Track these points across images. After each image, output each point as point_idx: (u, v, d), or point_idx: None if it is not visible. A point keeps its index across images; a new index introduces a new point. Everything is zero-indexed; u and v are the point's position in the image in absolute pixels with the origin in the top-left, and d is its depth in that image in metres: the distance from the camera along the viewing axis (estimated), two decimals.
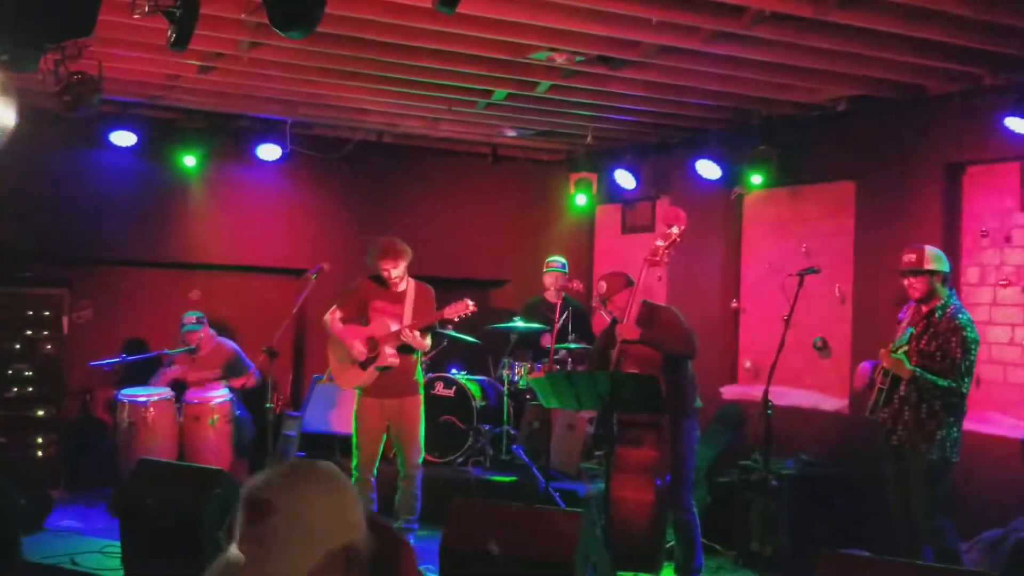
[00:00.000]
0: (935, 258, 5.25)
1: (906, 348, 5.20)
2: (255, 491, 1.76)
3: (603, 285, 5.89)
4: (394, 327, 6.29)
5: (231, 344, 7.87)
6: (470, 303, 6.33)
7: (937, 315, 5.19)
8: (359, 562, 1.78)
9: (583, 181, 8.82)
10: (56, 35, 4.49)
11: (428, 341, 6.51)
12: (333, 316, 6.48)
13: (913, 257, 5.26)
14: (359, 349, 6.35)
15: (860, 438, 6.75)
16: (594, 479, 7.04)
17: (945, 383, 5.05)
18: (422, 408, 6.51)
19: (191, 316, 7.76)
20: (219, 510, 4.66)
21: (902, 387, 5.19)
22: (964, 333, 5.09)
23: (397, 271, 6.34)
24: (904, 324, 5.34)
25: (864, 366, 5.46)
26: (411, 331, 6.27)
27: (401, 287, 6.42)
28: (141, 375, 7.69)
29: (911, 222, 6.61)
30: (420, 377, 6.57)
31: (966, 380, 5.10)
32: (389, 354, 6.29)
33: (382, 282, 6.41)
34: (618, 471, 5.56)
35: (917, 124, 6.64)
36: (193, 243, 8.50)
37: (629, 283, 5.84)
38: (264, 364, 6.73)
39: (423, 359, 6.82)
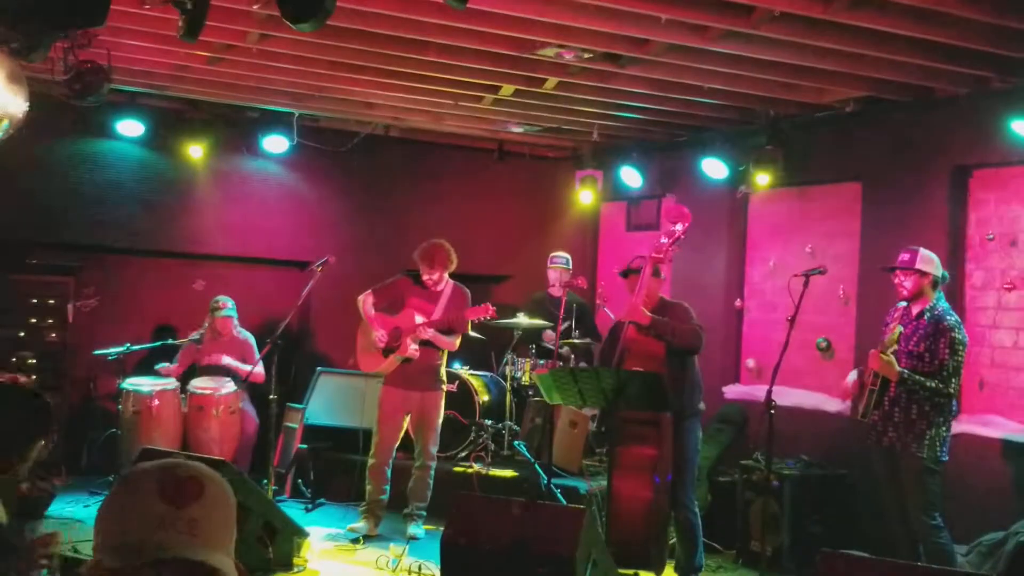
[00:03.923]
0: (927, 260, 5.34)
1: (895, 348, 5.27)
2: (183, 471, 1.58)
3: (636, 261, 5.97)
4: (418, 320, 6.52)
5: (249, 336, 7.82)
6: (491, 308, 6.51)
7: (926, 317, 5.29)
8: None
9: (589, 178, 8.81)
10: (68, 24, 4.49)
11: (456, 341, 6.70)
12: (366, 300, 6.71)
13: (907, 256, 5.37)
14: (380, 336, 6.59)
15: (860, 439, 6.76)
16: (596, 476, 7.05)
17: (933, 384, 5.16)
18: (443, 404, 6.75)
19: (226, 301, 7.74)
20: None
21: (891, 389, 5.27)
22: (952, 334, 5.19)
23: (434, 277, 6.60)
24: (892, 325, 5.40)
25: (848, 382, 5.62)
26: (430, 328, 6.49)
27: (439, 287, 6.67)
28: (145, 364, 7.70)
29: (917, 224, 6.60)
30: (443, 374, 6.78)
31: (953, 381, 5.20)
32: (410, 346, 6.51)
33: (421, 282, 6.67)
34: (620, 469, 5.57)
35: (924, 126, 6.64)
36: (198, 234, 8.50)
37: (627, 273, 5.87)
38: (268, 356, 6.73)
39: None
